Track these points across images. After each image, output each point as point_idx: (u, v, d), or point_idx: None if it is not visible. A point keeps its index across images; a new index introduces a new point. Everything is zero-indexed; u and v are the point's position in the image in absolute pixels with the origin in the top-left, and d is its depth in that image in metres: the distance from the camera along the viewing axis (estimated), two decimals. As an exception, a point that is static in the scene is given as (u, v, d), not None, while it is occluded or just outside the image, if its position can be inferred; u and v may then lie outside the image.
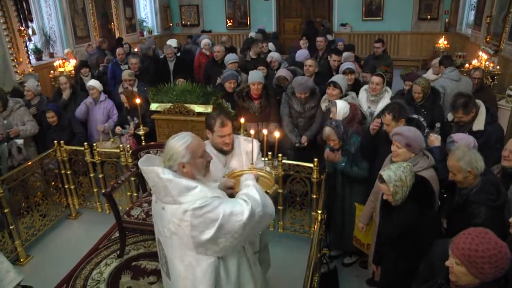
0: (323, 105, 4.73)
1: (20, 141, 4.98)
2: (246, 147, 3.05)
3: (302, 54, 6.96)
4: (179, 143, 2.19)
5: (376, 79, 4.71)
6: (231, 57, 6.22)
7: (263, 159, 2.88)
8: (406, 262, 2.71)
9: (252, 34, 10.58)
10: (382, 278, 3.13)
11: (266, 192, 2.42)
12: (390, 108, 3.70)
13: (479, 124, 3.92)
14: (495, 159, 3.29)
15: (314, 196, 4.12)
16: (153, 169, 2.11)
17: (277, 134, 2.74)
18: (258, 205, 2.14)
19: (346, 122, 4.03)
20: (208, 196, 2.07)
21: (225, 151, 3.03)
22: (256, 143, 3.01)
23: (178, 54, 8.51)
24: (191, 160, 2.18)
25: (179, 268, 2.25)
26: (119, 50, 7.84)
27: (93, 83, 5.87)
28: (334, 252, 4.22)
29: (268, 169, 2.71)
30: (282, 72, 5.56)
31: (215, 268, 2.19)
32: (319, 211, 3.08)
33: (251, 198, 2.16)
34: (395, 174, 2.65)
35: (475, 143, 3.37)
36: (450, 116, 4.23)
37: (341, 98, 4.52)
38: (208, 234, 2.04)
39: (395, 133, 3.19)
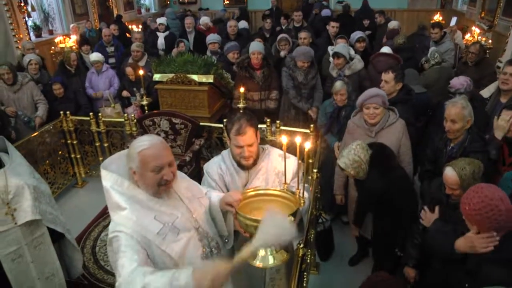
0: (333, 72, 4.94)
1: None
2: (279, 166, 2.27)
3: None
4: (137, 144, 1.84)
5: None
6: (211, 38, 6.20)
7: (306, 185, 2.34)
8: (391, 218, 2.94)
9: None
10: (374, 234, 3.32)
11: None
12: (395, 68, 3.86)
13: None
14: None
15: (311, 161, 4.32)
16: (102, 170, 1.88)
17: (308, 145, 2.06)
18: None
19: None
20: (128, 226, 1.76)
21: (244, 166, 2.38)
22: (293, 160, 2.36)
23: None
24: (140, 169, 1.82)
25: None
26: (105, 31, 7.44)
27: (96, 57, 6.07)
28: (329, 216, 4.46)
29: (306, 195, 2.19)
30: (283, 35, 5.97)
31: None
32: (315, 170, 3.29)
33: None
34: (348, 159, 2.83)
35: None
36: (485, 93, 4.02)
37: (347, 63, 4.88)
38: (118, 276, 1.71)
39: (371, 95, 3.31)
